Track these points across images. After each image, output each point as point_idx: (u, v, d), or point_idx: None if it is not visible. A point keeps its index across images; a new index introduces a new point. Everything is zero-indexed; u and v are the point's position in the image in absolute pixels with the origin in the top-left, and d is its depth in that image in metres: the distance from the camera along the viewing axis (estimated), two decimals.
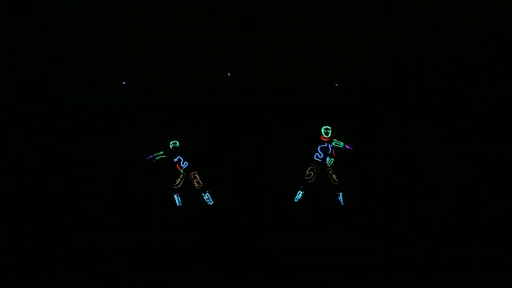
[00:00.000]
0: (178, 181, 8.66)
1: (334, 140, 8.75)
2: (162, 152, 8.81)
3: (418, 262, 6.50)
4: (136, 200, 8.83)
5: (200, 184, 8.66)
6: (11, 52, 9.11)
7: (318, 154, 8.70)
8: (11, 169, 8.95)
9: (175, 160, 8.74)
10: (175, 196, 8.69)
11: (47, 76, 9.38)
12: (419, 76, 8.85)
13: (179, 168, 8.71)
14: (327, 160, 8.66)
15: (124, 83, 9.75)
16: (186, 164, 8.64)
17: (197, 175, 8.66)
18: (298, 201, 8.63)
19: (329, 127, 8.80)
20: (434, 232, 7.37)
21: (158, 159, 8.77)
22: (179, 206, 8.65)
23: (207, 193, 8.64)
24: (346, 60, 9.02)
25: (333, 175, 8.64)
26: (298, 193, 8.65)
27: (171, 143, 8.94)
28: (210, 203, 8.62)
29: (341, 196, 8.63)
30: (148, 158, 8.78)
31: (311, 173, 8.62)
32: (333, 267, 6.43)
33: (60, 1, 8.81)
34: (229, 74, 9.69)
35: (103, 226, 7.91)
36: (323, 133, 8.76)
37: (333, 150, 8.72)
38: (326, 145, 8.71)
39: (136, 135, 9.59)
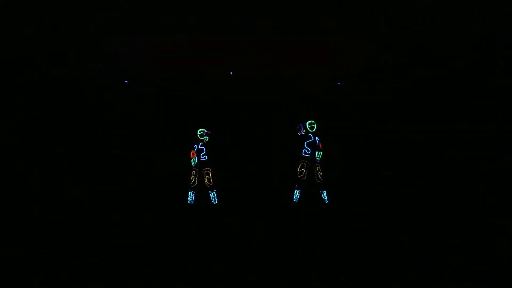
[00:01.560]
0: (192, 178, 8.69)
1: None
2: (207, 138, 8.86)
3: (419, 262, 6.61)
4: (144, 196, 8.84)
5: (211, 182, 8.72)
6: (12, 50, 8.98)
7: (305, 149, 8.66)
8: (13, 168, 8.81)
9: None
10: (189, 192, 8.66)
11: (49, 74, 9.27)
12: (418, 75, 9.09)
13: (192, 156, 8.74)
14: (316, 154, 8.63)
15: (126, 82, 9.73)
16: (205, 157, 8.66)
17: (210, 172, 8.71)
18: (297, 201, 8.59)
19: (313, 121, 8.75)
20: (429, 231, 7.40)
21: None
22: (190, 204, 8.63)
23: (214, 192, 8.72)
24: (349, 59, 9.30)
25: (319, 173, 8.60)
26: (295, 192, 8.63)
27: (199, 131, 8.92)
28: (215, 203, 8.64)
29: (325, 194, 8.59)
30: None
31: (303, 170, 8.61)
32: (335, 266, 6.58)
33: (62, 1, 8.78)
34: (232, 73, 9.80)
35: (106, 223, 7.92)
36: (308, 128, 8.73)
37: (320, 144, 8.68)
38: (312, 139, 8.68)
39: (137, 134, 9.58)
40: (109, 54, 9.36)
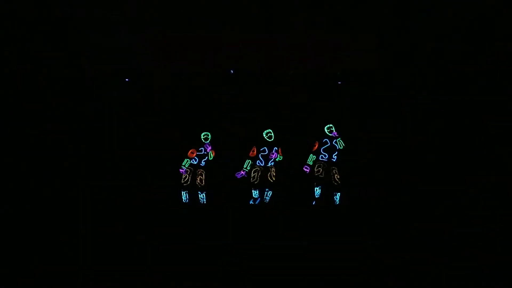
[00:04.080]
0: (186, 177, 8.72)
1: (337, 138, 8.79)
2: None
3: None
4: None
5: (202, 183, 8.74)
6: (13, 47, 9.07)
7: (322, 155, 8.77)
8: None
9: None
10: (182, 192, 8.73)
11: (50, 73, 9.35)
12: (422, 75, 8.93)
13: (190, 155, 8.74)
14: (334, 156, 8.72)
15: (127, 80, 9.75)
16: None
17: (203, 173, 8.75)
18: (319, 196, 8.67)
19: (332, 125, 8.84)
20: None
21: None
22: (184, 203, 8.70)
23: (204, 193, 8.75)
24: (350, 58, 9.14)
25: (336, 175, 8.70)
26: (315, 189, 8.72)
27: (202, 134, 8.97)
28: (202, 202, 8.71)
29: (338, 196, 8.68)
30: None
31: (320, 169, 8.71)
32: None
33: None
34: (232, 71, 9.74)
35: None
36: (326, 132, 8.82)
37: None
38: (329, 144, 8.77)
39: (138, 132, 9.58)
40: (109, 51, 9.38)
